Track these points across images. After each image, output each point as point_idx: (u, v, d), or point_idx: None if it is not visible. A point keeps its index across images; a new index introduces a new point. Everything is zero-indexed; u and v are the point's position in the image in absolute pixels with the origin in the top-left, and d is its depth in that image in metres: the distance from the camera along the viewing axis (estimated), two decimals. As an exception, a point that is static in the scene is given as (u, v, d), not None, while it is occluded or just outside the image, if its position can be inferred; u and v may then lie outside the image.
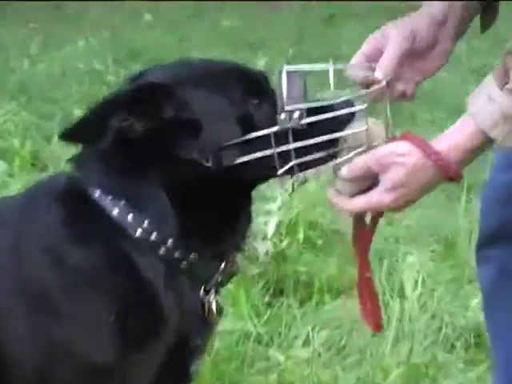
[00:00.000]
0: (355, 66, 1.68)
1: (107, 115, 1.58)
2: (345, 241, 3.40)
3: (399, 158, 1.52)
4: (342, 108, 1.60)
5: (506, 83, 1.45)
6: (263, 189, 3.70)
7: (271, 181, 3.75)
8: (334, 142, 1.60)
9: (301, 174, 1.62)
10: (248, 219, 1.72)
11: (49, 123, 4.56)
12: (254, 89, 1.64)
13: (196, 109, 1.60)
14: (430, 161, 1.50)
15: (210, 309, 1.71)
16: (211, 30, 8.27)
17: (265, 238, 3.35)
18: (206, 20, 9.05)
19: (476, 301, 3.05)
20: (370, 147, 1.58)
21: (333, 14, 9.28)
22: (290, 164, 1.59)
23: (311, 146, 1.58)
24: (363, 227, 1.69)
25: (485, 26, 1.77)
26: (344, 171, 1.57)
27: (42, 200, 1.66)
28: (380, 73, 1.65)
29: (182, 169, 1.60)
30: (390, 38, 1.66)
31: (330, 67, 1.62)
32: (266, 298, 3.06)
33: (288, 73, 1.60)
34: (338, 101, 1.60)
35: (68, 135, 1.63)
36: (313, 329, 2.89)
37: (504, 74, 1.46)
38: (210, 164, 1.58)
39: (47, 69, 6.12)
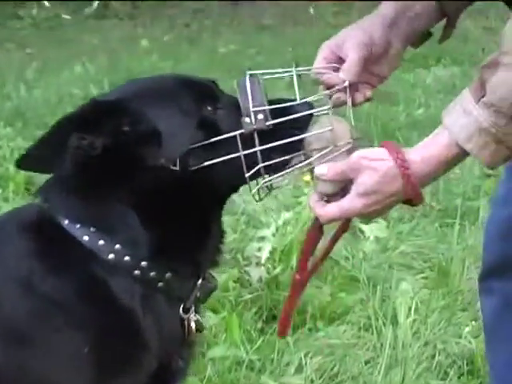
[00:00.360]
0: (319, 70, 1.71)
1: (62, 138, 1.57)
2: (338, 267, 3.42)
3: (372, 162, 1.52)
4: (306, 109, 1.62)
5: (482, 96, 1.46)
6: (257, 215, 3.78)
7: (265, 207, 3.74)
8: (298, 144, 1.62)
9: (269, 178, 1.62)
10: (221, 234, 1.73)
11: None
12: (206, 95, 1.66)
13: (152, 119, 1.60)
14: (398, 170, 1.50)
15: (189, 327, 1.71)
16: (207, 56, 8.31)
17: (258, 263, 3.35)
18: (203, 46, 9.10)
19: (469, 328, 3.06)
20: (336, 148, 1.59)
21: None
22: (257, 167, 1.59)
23: (277, 148, 1.60)
24: (319, 233, 1.69)
25: (443, 38, 1.85)
26: (322, 171, 1.58)
27: (12, 231, 1.65)
28: (345, 75, 1.68)
29: (150, 180, 1.60)
30: (351, 44, 1.70)
31: (294, 71, 1.66)
32: (259, 325, 3.05)
33: (250, 77, 1.62)
34: (302, 101, 1.63)
35: (23, 163, 1.63)
36: (305, 355, 2.88)
37: (480, 87, 1.46)
38: (177, 168, 1.58)
39: (43, 94, 6.15)
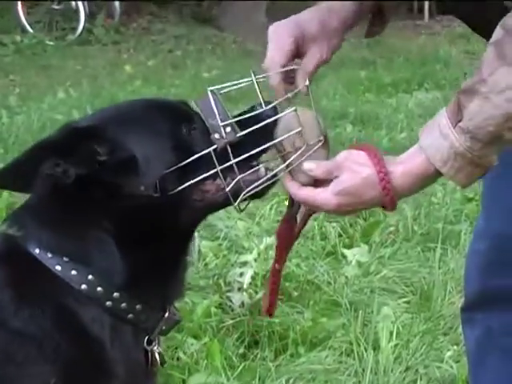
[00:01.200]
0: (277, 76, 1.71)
1: (37, 161, 1.56)
2: (320, 292, 3.43)
3: (354, 165, 1.55)
4: (272, 114, 1.63)
5: (459, 121, 1.47)
6: (240, 240, 3.78)
7: (247, 232, 3.74)
8: (271, 149, 1.65)
9: (250, 187, 1.63)
10: (186, 265, 1.73)
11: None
12: (181, 117, 1.67)
13: (128, 146, 1.60)
14: (378, 181, 1.52)
15: (153, 359, 1.71)
16: (191, 81, 8.33)
17: (240, 289, 3.35)
18: (186, 71, 9.13)
19: (450, 353, 3.06)
20: (309, 147, 1.61)
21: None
22: (237, 179, 1.61)
23: (251, 157, 1.62)
24: (293, 223, 1.71)
25: (369, 33, 1.85)
26: (310, 167, 1.59)
27: None
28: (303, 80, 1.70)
29: (128, 206, 1.60)
30: (311, 51, 1.72)
31: (254, 79, 1.67)
32: (241, 350, 3.05)
33: (212, 94, 1.64)
34: (268, 107, 1.63)
35: None
36: (287, 381, 2.88)
37: (457, 111, 1.48)
38: (157, 194, 1.58)
39: (26, 120, 6.14)
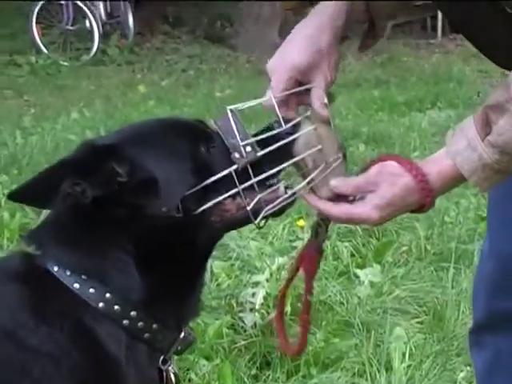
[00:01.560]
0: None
1: (57, 179, 1.57)
2: (332, 313, 3.42)
3: (391, 177, 1.58)
4: (291, 132, 1.64)
5: (487, 134, 1.52)
6: (252, 260, 3.79)
7: (260, 252, 3.74)
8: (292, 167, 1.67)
9: (270, 206, 1.64)
10: (202, 285, 1.74)
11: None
12: (199, 135, 1.67)
13: (148, 167, 1.61)
14: (417, 186, 1.57)
15: (168, 379, 1.71)
16: (204, 101, 8.37)
17: (253, 309, 3.35)
18: (199, 91, 9.17)
19: (463, 374, 3.05)
20: (328, 164, 1.63)
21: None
22: (256, 198, 1.62)
23: (271, 175, 1.64)
24: (319, 252, 1.73)
25: (363, 46, 1.85)
26: (337, 184, 1.62)
27: None
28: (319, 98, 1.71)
29: (148, 227, 1.60)
30: (315, 80, 1.73)
31: (272, 96, 1.68)
32: (253, 371, 3.04)
33: (231, 113, 1.65)
34: (287, 127, 1.64)
35: (16, 196, 1.64)
36: (299, 402, 2.88)
37: (486, 125, 1.52)
38: (180, 214, 1.59)
39: (40, 141, 6.17)
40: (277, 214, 1.69)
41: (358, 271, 3.77)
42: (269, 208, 1.65)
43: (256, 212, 1.64)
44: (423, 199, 1.58)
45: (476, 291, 2.10)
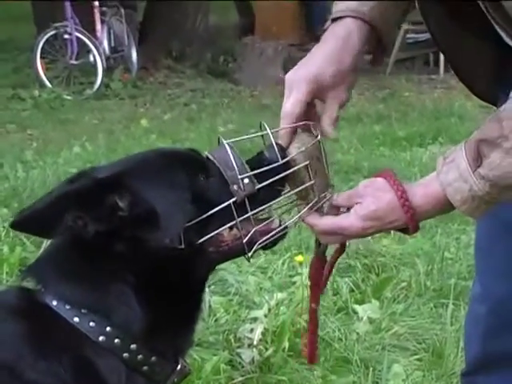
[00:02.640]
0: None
1: (59, 209, 1.57)
2: (330, 349, 3.40)
3: (376, 191, 1.63)
4: (287, 167, 1.68)
5: (478, 166, 1.54)
6: (251, 296, 3.78)
7: (259, 287, 3.72)
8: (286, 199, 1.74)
9: (264, 238, 1.69)
10: (198, 317, 1.75)
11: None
12: (197, 167, 1.69)
13: (149, 199, 1.62)
14: (398, 202, 1.61)
15: None
16: (206, 135, 8.39)
17: (251, 345, 3.33)
18: (202, 125, 9.20)
19: (462, 411, 3.02)
20: (319, 199, 1.69)
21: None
22: (253, 230, 1.65)
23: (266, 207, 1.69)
24: (323, 261, 1.81)
25: (375, 60, 1.88)
26: (329, 204, 1.69)
27: None
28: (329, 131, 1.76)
29: (149, 259, 1.61)
30: (329, 99, 1.76)
31: (269, 131, 1.71)
32: (250, 408, 3.03)
33: (224, 147, 1.68)
34: (284, 161, 1.68)
35: (19, 226, 1.65)
36: None
37: (478, 157, 1.54)
38: (182, 246, 1.60)
39: (41, 175, 6.19)
40: (269, 246, 1.71)
41: (357, 307, 3.76)
42: (263, 240, 1.66)
43: (250, 244, 1.66)
44: (405, 217, 1.61)
45: (468, 333, 2.09)
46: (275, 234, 1.70)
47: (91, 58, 11.36)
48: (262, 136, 1.76)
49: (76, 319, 1.61)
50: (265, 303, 3.57)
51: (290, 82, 1.76)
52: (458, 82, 1.86)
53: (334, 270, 3.91)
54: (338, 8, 1.80)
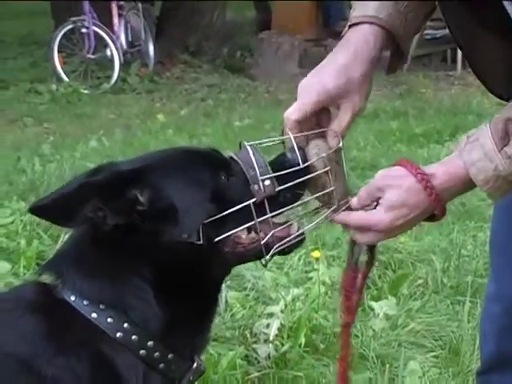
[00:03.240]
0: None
1: (80, 199, 1.57)
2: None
3: (395, 180, 1.62)
4: (307, 171, 1.68)
5: (505, 145, 1.53)
6: (267, 291, 3.77)
7: (275, 283, 3.71)
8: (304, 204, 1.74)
9: (282, 242, 1.69)
10: (214, 315, 1.75)
11: (56, 223, 4.59)
12: (220, 165, 1.70)
13: (169, 194, 1.63)
14: (419, 185, 1.60)
15: None
16: (222, 130, 8.39)
17: (267, 340, 3.33)
18: (218, 120, 9.20)
19: (479, 409, 3.01)
20: (338, 206, 1.69)
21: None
22: (270, 233, 1.65)
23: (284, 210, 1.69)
24: (356, 271, 1.78)
25: (391, 67, 1.87)
26: (354, 202, 1.68)
27: (14, 312, 1.64)
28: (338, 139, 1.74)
29: (165, 253, 1.61)
30: (343, 107, 1.76)
31: (291, 136, 1.71)
32: (266, 403, 3.03)
33: (251, 147, 1.69)
34: (305, 165, 1.69)
35: (38, 211, 1.63)
36: None
37: (505, 136, 1.54)
38: (201, 242, 1.60)
39: (58, 169, 6.21)
40: (286, 252, 1.71)
41: (373, 304, 3.75)
42: (280, 244, 1.66)
43: (267, 247, 1.65)
44: (430, 200, 1.60)
45: (484, 332, 2.09)
46: (293, 239, 1.70)
47: (108, 53, 11.38)
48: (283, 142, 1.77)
49: (94, 315, 1.61)
50: (281, 299, 3.56)
51: (300, 90, 1.77)
52: (476, 79, 1.86)
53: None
54: (354, 14, 1.79)
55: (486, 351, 2.07)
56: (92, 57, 11.47)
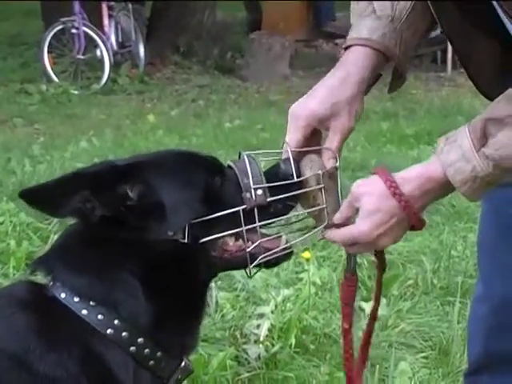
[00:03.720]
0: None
1: (71, 189, 1.59)
2: (337, 345, 3.40)
3: (365, 187, 1.64)
4: (301, 186, 1.69)
5: (483, 145, 1.52)
6: (258, 292, 3.78)
7: (265, 283, 3.71)
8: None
9: (268, 253, 1.70)
10: (203, 315, 1.76)
11: (46, 224, 4.60)
12: (215, 170, 1.72)
13: (159, 192, 1.65)
14: (388, 191, 1.60)
15: None
16: (213, 131, 8.40)
17: (257, 341, 3.34)
18: (209, 121, 9.20)
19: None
20: (328, 224, 1.70)
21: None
22: (257, 242, 1.67)
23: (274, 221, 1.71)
24: (354, 278, 1.81)
25: (392, 88, 1.90)
26: (336, 217, 1.69)
27: (5, 310, 1.64)
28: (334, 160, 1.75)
29: (152, 249, 1.63)
30: (332, 128, 1.77)
31: (289, 151, 1.73)
32: (256, 404, 3.03)
33: (248, 156, 1.72)
34: (300, 179, 1.70)
35: (28, 196, 1.64)
36: None
37: (483, 136, 1.53)
38: (185, 240, 1.62)
39: (48, 169, 6.20)
40: (272, 264, 1.72)
41: (364, 304, 3.75)
42: (266, 255, 1.68)
43: (252, 257, 1.67)
44: (398, 206, 1.60)
45: (471, 333, 2.09)
46: (280, 252, 1.72)
47: (98, 53, 11.37)
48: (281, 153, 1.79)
49: (84, 312, 1.62)
50: (271, 299, 3.57)
51: (290, 115, 1.80)
52: (467, 80, 1.86)
53: (339, 268, 3.91)
54: (349, 36, 1.82)
55: (474, 352, 2.08)
56: (82, 57, 11.45)
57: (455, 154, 1.55)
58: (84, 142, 7.65)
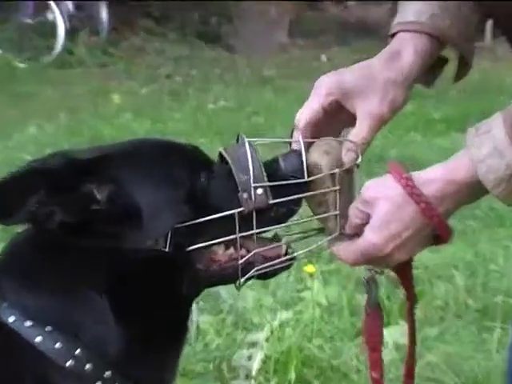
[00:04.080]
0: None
1: (24, 189, 1.56)
2: (347, 381, 3.42)
3: (376, 189, 1.64)
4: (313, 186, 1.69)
5: None
6: (248, 314, 3.80)
7: (258, 304, 3.75)
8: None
9: (264, 265, 1.69)
10: (183, 343, 1.76)
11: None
12: (201, 164, 1.71)
13: (133, 193, 1.63)
14: (411, 200, 1.60)
15: None
16: (193, 115, 8.41)
17: (248, 376, 3.35)
18: (188, 102, 9.21)
19: None
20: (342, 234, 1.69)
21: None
22: (252, 252, 1.67)
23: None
24: (378, 311, 1.80)
25: (459, 76, 1.93)
26: (347, 227, 1.68)
27: None
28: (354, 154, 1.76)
29: (128, 262, 1.62)
30: (359, 110, 1.78)
31: (301, 141, 1.73)
32: None
33: (243, 145, 1.70)
34: (311, 179, 1.69)
35: None
36: None
37: None
38: (166, 249, 1.61)
39: (-11, 161, 6.21)
40: (268, 275, 1.74)
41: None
42: (263, 267, 1.69)
43: (245, 268, 1.68)
44: (418, 208, 1.59)
45: (509, 367, 2.11)
46: (279, 263, 1.71)
47: (50, 16, 11.37)
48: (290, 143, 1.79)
49: (38, 339, 1.60)
50: (266, 324, 3.59)
51: (314, 86, 1.81)
52: (510, 52, 1.88)
53: (349, 285, 3.92)
54: (395, 21, 1.86)
55: None
56: (30, 22, 11.46)
57: (487, 148, 1.55)
58: (33, 128, 7.66)
